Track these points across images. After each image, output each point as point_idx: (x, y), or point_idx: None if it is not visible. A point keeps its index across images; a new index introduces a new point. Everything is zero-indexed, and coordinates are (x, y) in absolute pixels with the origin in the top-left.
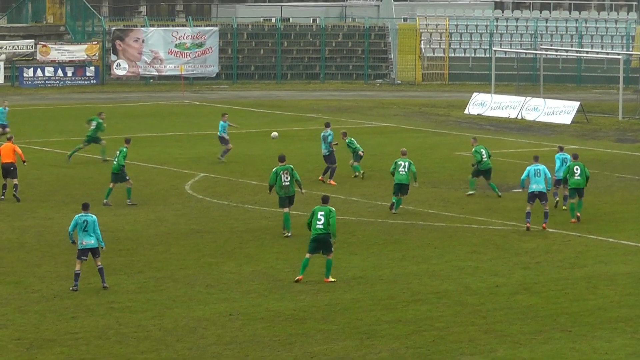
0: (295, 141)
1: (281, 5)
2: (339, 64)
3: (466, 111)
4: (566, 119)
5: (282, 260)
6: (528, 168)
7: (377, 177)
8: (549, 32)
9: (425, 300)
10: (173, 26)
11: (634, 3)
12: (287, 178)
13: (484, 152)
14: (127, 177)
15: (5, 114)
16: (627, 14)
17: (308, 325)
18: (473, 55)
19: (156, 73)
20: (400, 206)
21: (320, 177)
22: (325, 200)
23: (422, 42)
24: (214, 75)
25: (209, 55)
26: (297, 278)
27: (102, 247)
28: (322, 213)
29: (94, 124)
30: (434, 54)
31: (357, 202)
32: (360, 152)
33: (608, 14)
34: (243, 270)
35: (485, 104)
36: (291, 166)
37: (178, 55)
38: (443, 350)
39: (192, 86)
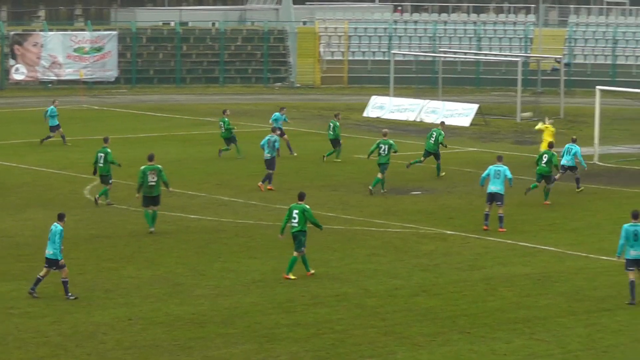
0: (195, 145)
1: (180, 9)
2: (238, 67)
3: (365, 114)
4: (465, 121)
5: (182, 265)
6: (490, 167)
7: (276, 181)
8: (447, 35)
9: (324, 303)
10: (72, 30)
11: (532, 6)
12: (153, 178)
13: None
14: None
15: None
16: (526, 17)
17: (207, 329)
18: (372, 58)
19: (55, 77)
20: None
21: (259, 184)
22: (301, 197)
23: (321, 45)
24: (113, 79)
25: (108, 59)
26: (304, 274)
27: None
28: (297, 211)
29: None
30: (333, 57)
31: (256, 205)
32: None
33: (506, 17)
34: (142, 275)
35: (384, 106)
36: (159, 166)
37: (77, 59)
38: (342, 353)
39: (91, 90)
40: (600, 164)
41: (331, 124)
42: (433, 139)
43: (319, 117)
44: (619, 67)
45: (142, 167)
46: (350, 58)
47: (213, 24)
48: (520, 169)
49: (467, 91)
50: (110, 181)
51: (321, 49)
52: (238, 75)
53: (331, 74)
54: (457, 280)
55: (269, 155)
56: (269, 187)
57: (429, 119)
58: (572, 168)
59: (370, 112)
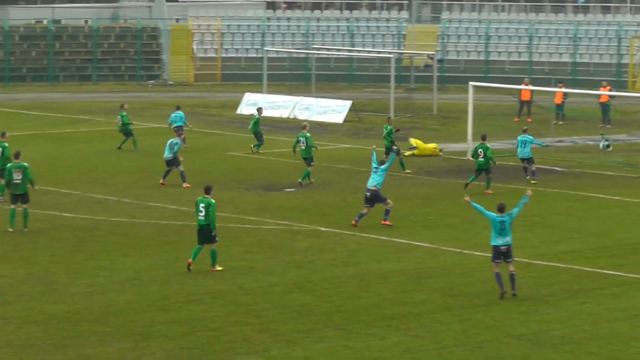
0: (69, 143)
1: (53, 7)
2: (111, 65)
3: (238, 111)
4: (338, 118)
5: (56, 263)
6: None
7: (152, 179)
8: (320, 32)
9: (199, 300)
10: None
11: (405, 2)
12: (18, 176)
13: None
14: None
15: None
16: (399, 13)
17: (82, 327)
18: (245, 55)
19: None
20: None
21: (161, 181)
22: (207, 190)
23: (194, 42)
24: None
25: None
26: (188, 262)
27: None
28: (203, 205)
29: None
30: (206, 54)
31: (130, 203)
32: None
33: (379, 13)
34: (16, 274)
35: (258, 103)
36: (25, 164)
37: None
38: (218, 350)
39: None
40: (473, 159)
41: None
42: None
43: (193, 114)
44: (491, 63)
45: (8, 165)
46: (224, 55)
47: (86, 22)
48: (393, 166)
49: (340, 88)
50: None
51: (194, 46)
52: (111, 73)
53: (205, 71)
54: (332, 276)
55: (170, 156)
56: (162, 181)
57: (303, 115)
58: (529, 160)
59: (244, 109)
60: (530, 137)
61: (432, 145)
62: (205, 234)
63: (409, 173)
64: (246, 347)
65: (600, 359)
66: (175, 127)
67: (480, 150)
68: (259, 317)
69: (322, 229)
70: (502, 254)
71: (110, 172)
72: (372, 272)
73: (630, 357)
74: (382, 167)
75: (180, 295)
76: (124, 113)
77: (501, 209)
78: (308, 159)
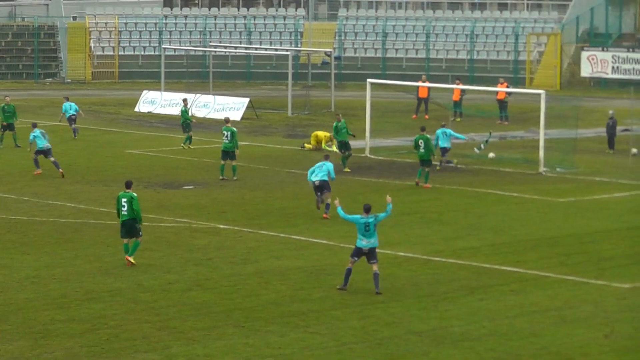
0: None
1: None
2: (9, 63)
3: (136, 109)
4: (236, 115)
5: None
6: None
7: (49, 176)
8: (218, 30)
9: (98, 298)
10: None
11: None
12: None
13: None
14: None
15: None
16: (296, 11)
17: None
18: (143, 53)
19: None
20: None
21: (37, 172)
22: (128, 185)
23: (92, 40)
24: None
25: None
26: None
27: None
28: (125, 200)
29: None
30: (103, 52)
31: (29, 201)
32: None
33: (276, 11)
34: None
35: (156, 101)
36: None
37: None
38: (117, 348)
39: None
40: (372, 156)
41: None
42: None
43: (90, 112)
44: (389, 61)
45: None
46: (121, 53)
47: None
48: (291, 163)
49: (238, 85)
50: None
51: (92, 44)
52: (9, 71)
53: (102, 69)
54: (231, 274)
55: (48, 145)
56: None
57: (201, 113)
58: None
59: (142, 106)
60: (450, 130)
61: (326, 133)
62: (130, 227)
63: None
64: (146, 344)
65: (500, 355)
66: (68, 116)
67: (421, 141)
68: (158, 314)
69: (221, 226)
70: (364, 254)
71: (8, 170)
72: (271, 270)
73: (530, 353)
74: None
75: (79, 293)
76: (185, 108)
77: (367, 210)
78: (232, 153)
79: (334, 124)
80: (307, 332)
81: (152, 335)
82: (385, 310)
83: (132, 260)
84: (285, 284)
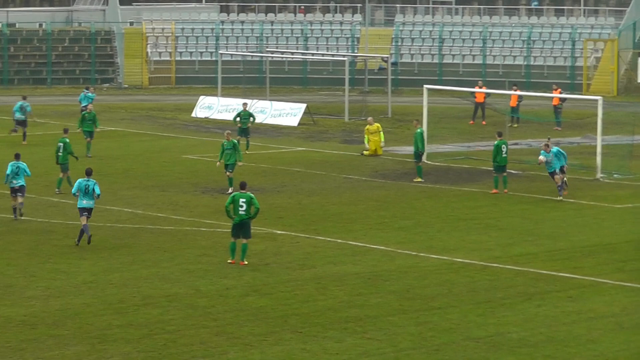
0: (23, 146)
1: (7, 11)
2: (66, 68)
3: (193, 114)
4: (293, 121)
5: (12, 266)
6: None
7: (106, 182)
8: (274, 35)
9: (156, 303)
10: None
11: (359, 5)
12: None
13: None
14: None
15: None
16: (352, 16)
17: (39, 330)
18: (199, 58)
19: None
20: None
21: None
22: (243, 186)
23: (148, 46)
24: None
25: None
26: (229, 261)
27: None
28: (244, 200)
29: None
30: (160, 57)
31: None
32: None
33: (333, 16)
34: None
35: (213, 107)
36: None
37: None
38: (174, 353)
39: None
40: (429, 162)
41: None
42: None
43: (147, 117)
44: (445, 66)
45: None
46: (178, 58)
47: (40, 25)
48: (348, 169)
49: (294, 91)
50: (67, 170)
51: (148, 50)
52: (66, 76)
53: (159, 74)
54: (288, 279)
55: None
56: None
57: (258, 118)
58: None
59: (199, 112)
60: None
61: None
62: (243, 227)
63: None
64: (203, 350)
65: None
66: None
67: (503, 146)
68: (215, 320)
69: (278, 232)
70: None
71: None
72: (328, 275)
73: None
74: None
75: (136, 299)
76: (245, 112)
77: (87, 173)
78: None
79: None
80: (365, 338)
81: (209, 340)
82: (442, 316)
83: (246, 262)
84: (343, 289)
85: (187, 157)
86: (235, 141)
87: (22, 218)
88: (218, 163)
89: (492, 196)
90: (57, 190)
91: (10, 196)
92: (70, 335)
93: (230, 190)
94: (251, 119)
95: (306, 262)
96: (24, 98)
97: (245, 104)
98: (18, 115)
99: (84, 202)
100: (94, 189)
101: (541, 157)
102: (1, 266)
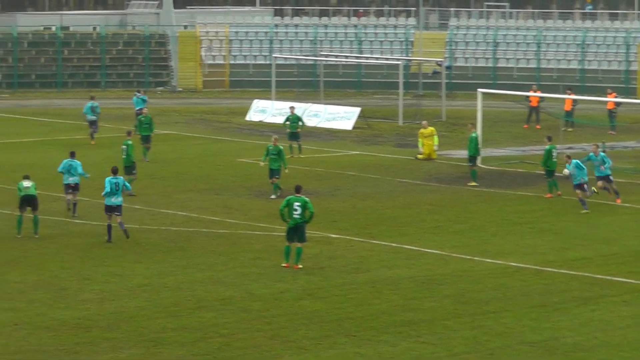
0: (78, 149)
1: (61, 14)
2: (120, 72)
3: (247, 118)
4: (347, 124)
5: (67, 269)
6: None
7: (161, 185)
8: (328, 38)
9: (210, 307)
10: None
11: (413, 9)
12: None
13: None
14: (135, 171)
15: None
16: (406, 20)
17: (93, 333)
18: (253, 62)
19: None
20: (190, 215)
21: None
22: (298, 190)
23: (202, 49)
24: None
25: None
26: (283, 264)
27: None
28: (299, 204)
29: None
30: (214, 61)
31: (140, 210)
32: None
33: (387, 20)
34: (27, 280)
35: (267, 110)
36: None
37: None
38: (229, 356)
39: None
40: (483, 166)
41: None
42: None
43: (201, 121)
44: (499, 70)
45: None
46: (232, 62)
47: (94, 29)
48: (402, 173)
49: (349, 94)
50: (133, 172)
51: (202, 53)
52: (120, 79)
53: (213, 77)
54: (342, 283)
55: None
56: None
57: (311, 122)
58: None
59: (253, 115)
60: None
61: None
62: (298, 231)
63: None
64: (257, 353)
65: None
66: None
67: (554, 150)
68: (269, 323)
69: (332, 235)
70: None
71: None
72: (383, 279)
73: None
74: None
75: (190, 302)
76: (291, 113)
77: (114, 171)
78: (276, 171)
79: (473, 134)
80: (419, 341)
81: (263, 344)
82: (496, 320)
83: (300, 265)
84: (397, 293)
85: (241, 160)
86: (281, 148)
87: (76, 221)
88: (262, 163)
89: (546, 200)
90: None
91: (64, 192)
92: (124, 339)
93: (273, 197)
94: (300, 122)
95: (360, 265)
96: (92, 98)
97: (292, 108)
98: (90, 117)
99: (113, 200)
100: (124, 185)
101: (566, 170)
102: (55, 269)
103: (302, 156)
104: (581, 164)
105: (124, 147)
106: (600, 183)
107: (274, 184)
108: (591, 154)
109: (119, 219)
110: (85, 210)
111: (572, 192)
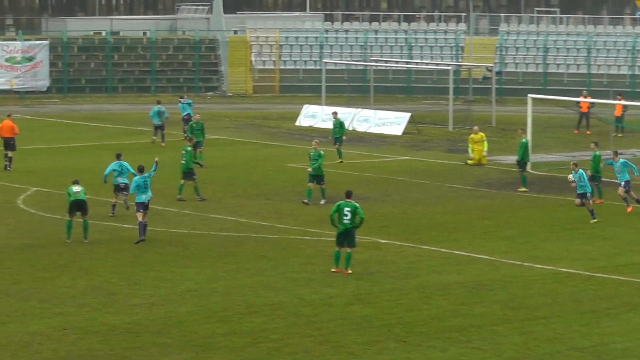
0: (127, 154)
1: (111, 19)
2: (170, 77)
3: (297, 123)
4: (397, 130)
5: (117, 274)
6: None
7: (211, 190)
8: (378, 44)
9: (260, 312)
10: (3, 40)
11: (463, 14)
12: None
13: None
14: (195, 176)
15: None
16: (457, 25)
17: (143, 338)
18: (303, 67)
19: None
20: (234, 219)
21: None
22: (348, 195)
23: (252, 54)
24: (45, 89)
25: (40, 69)
26: (333, 270)
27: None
28: (349, 209)
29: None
30: (264, 66)
31: (190, 215)
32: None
33: (437, 25)
34: (77, 284)
35: (317, 115)
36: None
37: (8, 69)
38: None
39: (23, 100)
40: (533, 172)
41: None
42: None
43: (251, 126)
44: (550, 76)
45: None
46: (282, 67)
47: (144, 33)
48: (452, 178)
49: (399, 100)
50: (194, 177)
51: (253, 58)
52: (170, 84)
53: (263, 82)
54: (392, 288)
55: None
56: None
57: (361, 127)
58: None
59: (303, 120)
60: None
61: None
62: (348, 236)
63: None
64: (307, 358)
65: None
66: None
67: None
68: (319, 329)
69: (382, 240)
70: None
71: (169, 184)
72: (432, 284)
73: None
74: None
75: (240, 307)
76: (334, 119)
77: (140, 170)
78: (319, 177)
79: (523, 140)
80: (469, 347)
81: (313, 349)
82: (546, 325)
83: (350, 271)
84: (447, 298)
85: (291, 165)
86: (322, 152)
87: (126, 225)
88: (310, 169)
89: (596, 206)
90: (178, 196)
91: (113, 193)
92: (174, 344)
93: (306, 200)
94: (342, 128)
95: (410, 271)
96: (159, 102)
97: (334, 113)
98: (156, 121)
99: (143, 197)
100: (150, 176)
101: (570, 177)
102: (105, 274)
103: (343, 162)
104: (584, 177)
105: (183, 152)
106: (620, 190)
107: (308, 189)
108: (611, 159)
109: (140, 217)
110: (135, 215)
111: (618, 198)
